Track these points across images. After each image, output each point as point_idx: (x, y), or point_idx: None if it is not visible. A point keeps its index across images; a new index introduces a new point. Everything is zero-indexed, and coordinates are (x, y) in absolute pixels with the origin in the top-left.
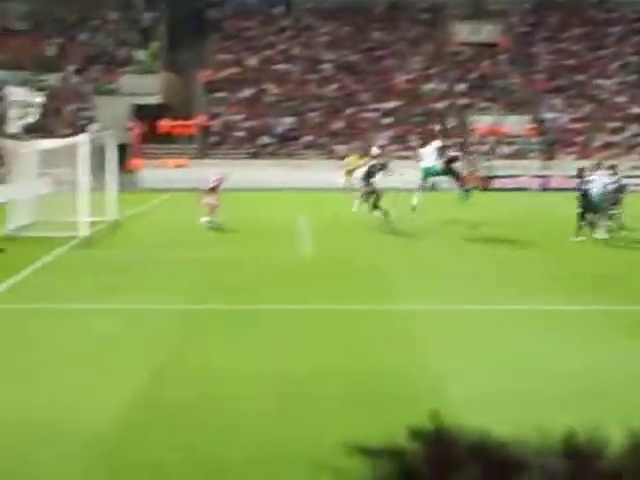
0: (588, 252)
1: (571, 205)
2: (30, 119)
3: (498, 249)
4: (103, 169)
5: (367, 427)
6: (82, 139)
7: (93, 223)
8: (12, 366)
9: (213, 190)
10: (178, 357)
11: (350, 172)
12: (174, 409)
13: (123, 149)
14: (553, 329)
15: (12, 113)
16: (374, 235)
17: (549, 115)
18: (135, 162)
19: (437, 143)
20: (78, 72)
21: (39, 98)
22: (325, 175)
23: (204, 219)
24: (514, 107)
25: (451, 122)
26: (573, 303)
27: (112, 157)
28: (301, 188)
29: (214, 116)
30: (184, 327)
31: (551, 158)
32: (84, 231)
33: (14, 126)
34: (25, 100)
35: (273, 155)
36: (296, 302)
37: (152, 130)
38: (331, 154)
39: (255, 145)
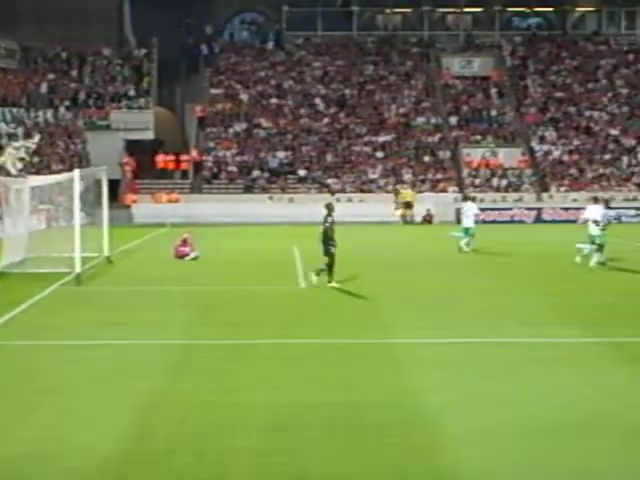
0: (579, 282)
1: (565, 237)
2: (25, 157)
3: (490, 281)
4: (97, 204)
5: (354, 461)
6: (75, 175)
7: (87, 258)
8: (7, 401)
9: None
10: (170, 391)
11: (408, 205)
12: (167, 443)
13: (116, 184)
14: (546, 361)
15: (9, 161)
16: (368, 268)
17: (541, 147)
18: (128, 197)
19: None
20: (70, 108)
21: (34, 139)
22: (318, 208)
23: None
24: (506, 139)
25: (443, 155)
26: (569, 335)
27: (105, 193)
28: (295, 222)
29: (207, 151)
30: (176, 361)
31: (544, 190)
32: (78, 267)
33: (14, 169)
34: (22, 144)
35: (266, 189)
36: (288, 336)
37: (145, 165)
38: (324, 187)
39: (248, 179)
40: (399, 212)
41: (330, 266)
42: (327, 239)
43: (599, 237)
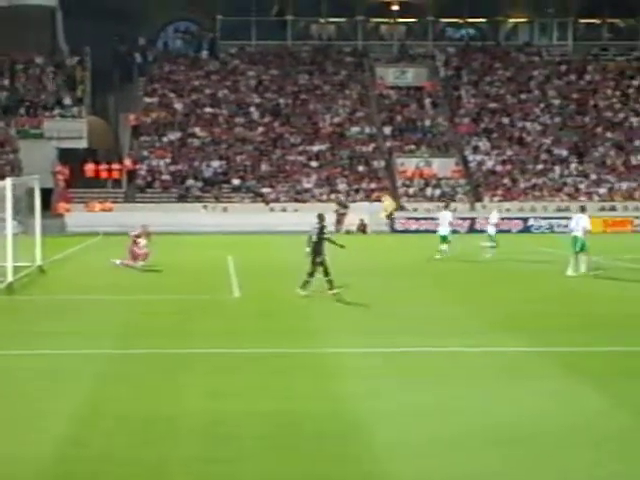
0: (514, 291)
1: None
2: None
3: (425, 290)
4: (29, 213)
5: (292, 470)
6: (7, 184)
7: (19, 268)
8: None
9: (137, 237)
10: (105, 401)
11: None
12: (103, 453)
13: (49, 193)
14: (481, 370)
15: None
16: (300, 277)
17: (474, 157)
18: (61, 206)
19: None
20: (2, 116)
21: None
22: (252, 218)
23: (140, 263)
24: (440, 150)
25: (378, 165)
26: (505, 344)
27: (37, 201)
28: (229, 231)
29: (141, 160)
30: (110, 371)
31: (477, 200)
32: (9, 276)
33: None
34: None
35: (200, 199)
36: (223, 345)
37: (78, 174)
38: (258, 197)
39: (182, 188)
40: (382, 215)
41: (311, 275)
42: (319, 249)
43: (584, 244)
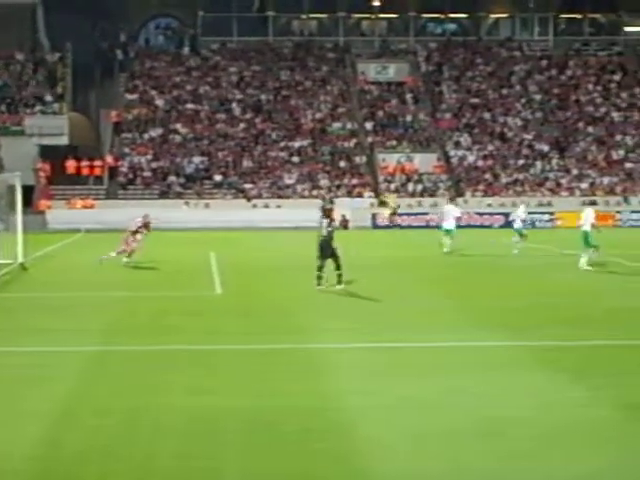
0: (492, 286)
1: (480, 241)
2: None
3: (405, 285)
4: (10, 210)
5: (273, 466)
6: None
7: (1, 265)
8: None
9: (137, 232)
10: (86, 397)
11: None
12: (83, 449)
13: (30, 190)
14: (460, 365)
15: None
16: (283, 273)
17: (456, 153)
18: (43, 203)
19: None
20: None
21: None
22: (234, 214)
23: (125, 259)
24: (422, 145)
25: (359, 161)
26: (483, 338)
27: (19, 198)
28: (211, 227)
29: (122, 156)
30: (92, 368)
31: (459, 195)
32: None
33: None
34: None
35: (182, 195)
36: (205, 342)
37: (60, 171)
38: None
39: (164, 185)
40: (386, 213)
41: (320, 269)
42: (330, 243)
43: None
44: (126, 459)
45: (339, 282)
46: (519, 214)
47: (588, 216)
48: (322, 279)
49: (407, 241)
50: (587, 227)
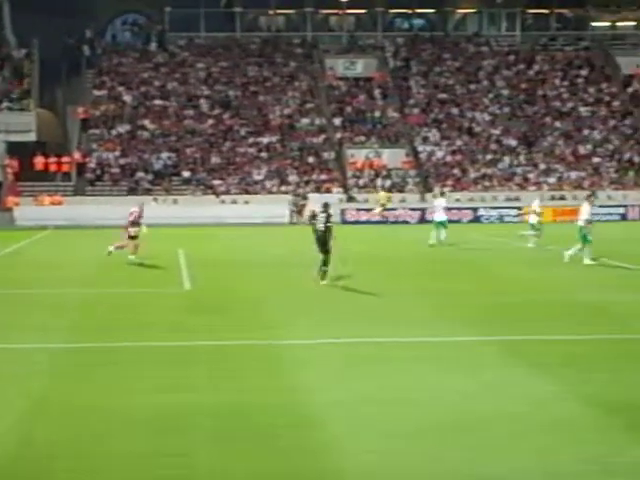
0: (463, 282)
1: (450, 237)
2: None
3: (378, 282)
4: None
5: (242, 463)
6: None
7: None
8: None
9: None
10: (51, 395)
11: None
12: (49, 448)
13: None
14: (430, 360)
15: None
16: (251, 269)
17: (424, 148)
18: (10, 200)
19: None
20: None
21: None
22: (203, 210)
23: (130, 257)
24: (390, 140)
25: (328, 156)
26: (454, 334)
27: None
28: (180, 224)
29: (90, 153)
30: (57, 365)
31: (428, 191)
32: None
33: None
34: None
35: (150, 191)
36: (173, 338)
37: (28, 167)
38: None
39: (132, 181)
40: (377, 211)
41: (325, 263)
42: (326, 238)
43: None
44: (96, 456)
45: (323, 278)
46: (533, 208)
47: (583, 211)
48: (326, 274)
49: (377, 237)
50: (581, 222)
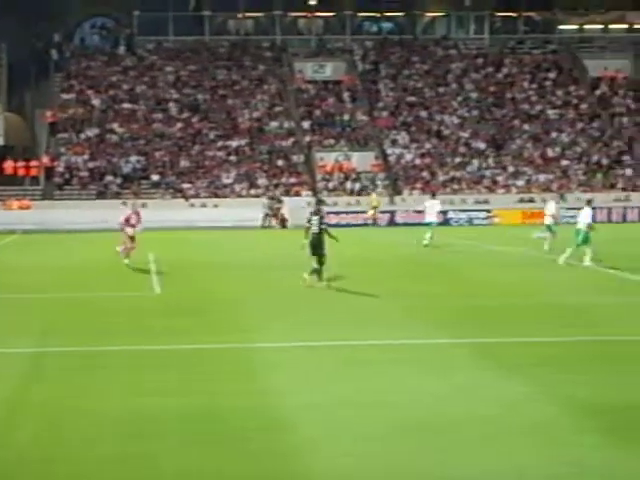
0: (435, 285)
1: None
2: None
3: (346, 283)
4: None
5: (213, 466)
6: None
7: None
8: None
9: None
10: (23, 400)
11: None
12: (20, 453)
13: None
14: (404, 363)
15: None
16: (223, 272)
17: (393, 151)
18: None
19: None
20: None
21: None
22: (172, 214)
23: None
24: (359, 143)
25: (297, 159)
26: (427, 336)
27: None
28: (149, 228)
29: (58, 157)
30: (28, 370)
31: (397, 193)
32: None
33: None
34: None
35: (119, 195)
36: (144, 342)
37: None
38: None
39: (101, 185)
40: (370, 214)
41: (322, 265)
42: (320, 240)
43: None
44: (63, 461)
45: (320, 279)
46: (550, 210)
47: (583, 215)
48: (322, 274)
49: (347, 240)
50: (582, 226)
